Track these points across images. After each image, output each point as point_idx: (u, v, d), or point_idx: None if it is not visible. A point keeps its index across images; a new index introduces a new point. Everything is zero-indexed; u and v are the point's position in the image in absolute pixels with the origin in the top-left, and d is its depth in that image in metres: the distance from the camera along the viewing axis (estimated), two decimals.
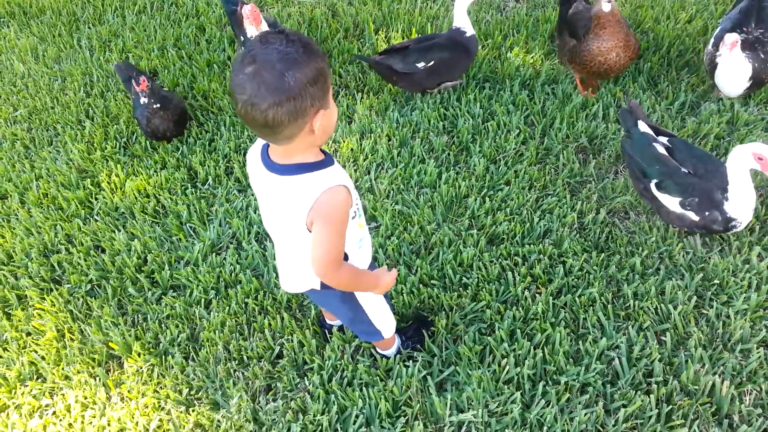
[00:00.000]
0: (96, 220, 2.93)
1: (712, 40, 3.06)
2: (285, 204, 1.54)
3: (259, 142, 1.60)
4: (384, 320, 2.00)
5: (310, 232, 1.53)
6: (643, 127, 2.54)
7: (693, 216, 2.34)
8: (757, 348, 2.12)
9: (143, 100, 3.07)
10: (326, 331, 2.33)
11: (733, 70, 2.85)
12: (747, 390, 2.03)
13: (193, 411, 2.16)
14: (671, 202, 2.38)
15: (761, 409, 1.99)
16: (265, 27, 3.20)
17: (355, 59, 3.50)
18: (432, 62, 3.13)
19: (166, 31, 4.16)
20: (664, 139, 2.52)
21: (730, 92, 2.95)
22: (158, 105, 3.10)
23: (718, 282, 2.31)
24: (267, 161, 1.54)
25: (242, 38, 3.38)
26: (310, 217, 1.49)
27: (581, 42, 3.05)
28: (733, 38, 2.80)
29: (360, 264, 1.78)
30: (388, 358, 2.22)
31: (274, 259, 2.54)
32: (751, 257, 2.38)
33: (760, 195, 2.61)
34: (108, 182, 3.09)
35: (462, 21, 3.14)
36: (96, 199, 3.04)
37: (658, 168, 2.42)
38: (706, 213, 2.30)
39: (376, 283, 1.76)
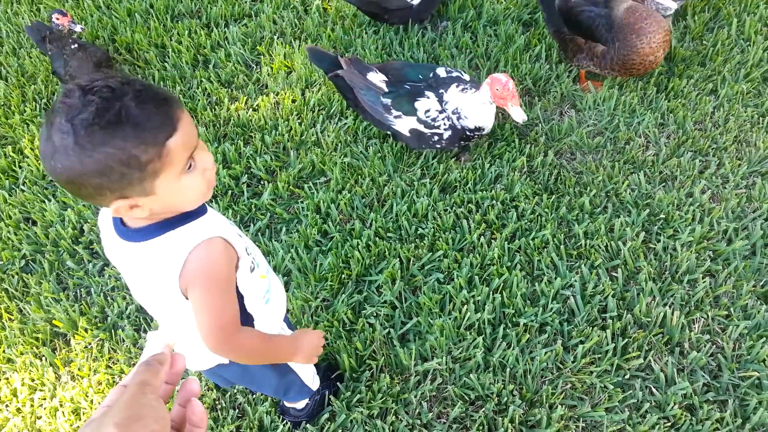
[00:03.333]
0: (23, 190, 2.72)
1: None
2: (149, 275, 1.21)
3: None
4: (312, 373, 1.72)
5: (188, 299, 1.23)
6: None
7: None
8: (703, 278, 2.21)
9: (65, 35, 2.84)
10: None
11: None
12: (695, 318, 2.13)
13: None
14: None
15: (708, 335, 2.10)
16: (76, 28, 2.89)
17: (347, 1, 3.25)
18: None
19: None
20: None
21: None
22: (76, 45, 2.89)
23: (663, 216, 2.39)
24: (119, 227, 1.19)
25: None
26: (182, 283, 1.18)
27: (617, 43, 2.65)
28: None
29: (271, 323, 1.48)
30: (300, 413, 1.96)
31: None
32: (693, 191, 2.46)
33: None
34: (31, 148, 2.87)
35: None
36: (20, 167, 2.82)
37: None
38: None
39: (294, 348, 1.44)
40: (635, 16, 2.58)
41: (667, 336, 2.08)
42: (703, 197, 2.43)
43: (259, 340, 1.34)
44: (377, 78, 2.55)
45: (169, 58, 3.26)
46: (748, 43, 3.03)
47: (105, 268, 2.42)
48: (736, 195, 2.45)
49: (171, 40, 3.36)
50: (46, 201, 2.65)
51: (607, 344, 2.06)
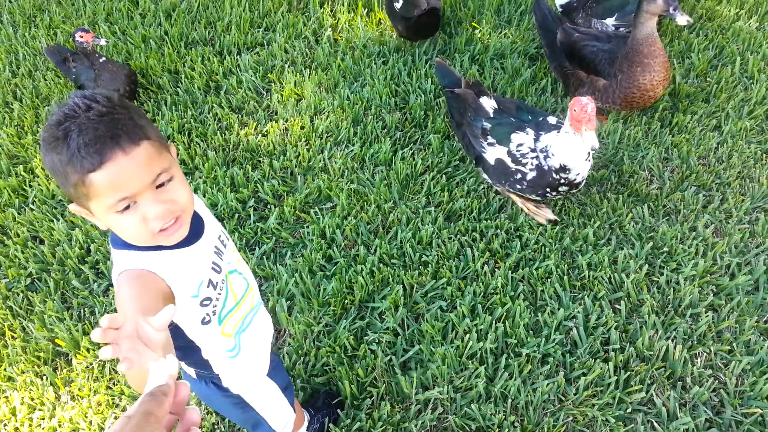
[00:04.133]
0: (32, 209, 2.75)
1: None
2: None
3: None
4: (277, 414, 1.63)
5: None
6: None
7: None
8: (706, 312, 2.21)
9: (90, 51, 2.97)
10: None
11: None
12: (698, 353, 2.12)
13: None
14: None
15: (711, 369, 2.08)
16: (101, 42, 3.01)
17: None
18: None
19: (97, 4, 3.92)
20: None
21: None
22: (104, 59, 3.01)
23: (667, 250, 2.39)
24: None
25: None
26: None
27: (620, 78, 2.70)
28: None
29: (240, 377, 1.44)
30: None
31: None
32: (697, 225, 2.47)
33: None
34: (42, 168, 2.91)
35: None
36: (30, 186, 2.86)
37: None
38: None
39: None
40: (650, 49, 2.59)
41: (670, 370, 2.07)
42: (707, 231, 2.44)
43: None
44: (488, 103, 2.51)
45: (181, 83, 3.32)
46: (751, 81, 3.07)
47: (110, 288, 2.43)
48: (739, 230, 2.45)
49: (184, 66, 3.42)
50: (54, 220, 2.68)
51: (610, 377, 2.05)
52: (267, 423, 1.61)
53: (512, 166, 2.36)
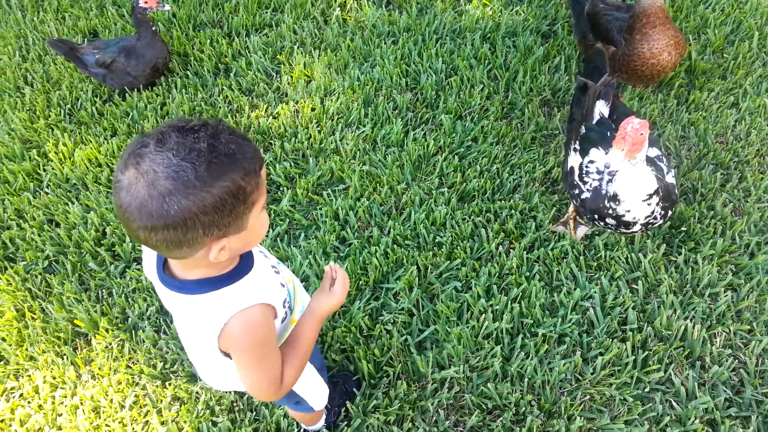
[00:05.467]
0: (47, 193, 2.76)
1: None
2: (186, 326, 1.31)
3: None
4: (315, 393, 1.69)
5: (226, 356, 1.28)
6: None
7: None
8: (725, 291, 2.19)
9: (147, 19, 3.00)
10: None
11: None
12: (717, 332, 2.11)
13: (169, 384, 2.10)
14: None
15: (730, 349, 2.07)
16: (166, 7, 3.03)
17: None
18: None
19: None
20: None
21: None
22: (155, 29, 3.09)
23: (685, 229, 2.37)
24: (162, 275, 1.23)
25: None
26: (221, 344, 1.23)
27: (623, 46, 2.72)
28: None
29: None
30: None
31: None
32: (715, 204, 2.44)
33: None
34: (56, 152, 2.91)
35: None
36: (44, 170, 2.86)
37: None
38: None
39: (320, 317, 1.40)
40: (649, 19, 2.60)
41: (688, 349, 2.06)
42: (725, 210, 2.41)
43: (295, 363, 1.34)
44: (600, 109, 2.31)
45: (191, 66, 3.30)
46: None
47: (126, 270, 2.44)
48: (758, 209, 2.43)
49: (193, 48, 3.40)
50: (69, 203, 2.68)
51: (627, 356, 2.04)
52: (306, 401, 1.66)
53: (576, 179, 2.20)
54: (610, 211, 2.04)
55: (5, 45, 3.57)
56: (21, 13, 3.82)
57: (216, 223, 1.05)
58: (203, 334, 1.22)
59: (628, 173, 1.94)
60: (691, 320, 2.12)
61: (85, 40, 3.55)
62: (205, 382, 1.59)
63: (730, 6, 3.28)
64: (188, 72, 3.27)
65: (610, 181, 2.06)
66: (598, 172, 2.12)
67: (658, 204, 1.99)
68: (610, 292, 2.21)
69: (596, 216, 2.11)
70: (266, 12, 3.59)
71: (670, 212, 2.07)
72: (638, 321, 2.14)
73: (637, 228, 2.06)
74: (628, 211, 2.00)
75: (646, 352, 2.05)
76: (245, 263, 1.24)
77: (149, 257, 1.29)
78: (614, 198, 2.01)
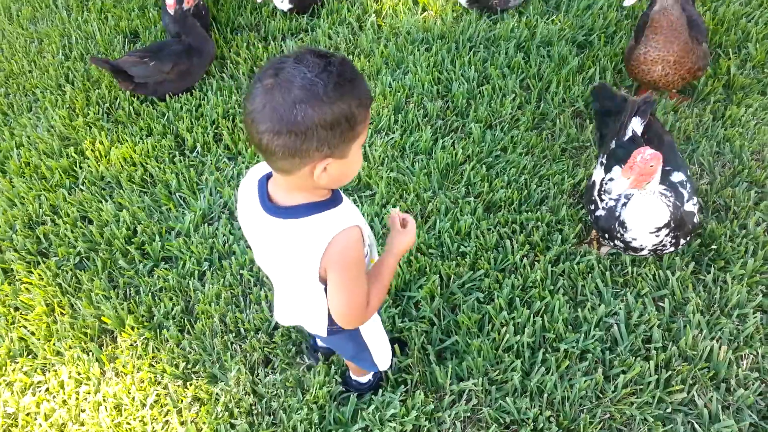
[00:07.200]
0: (82, 190, 2.84)
1: None
2: (289, 252, 1.36)
3: (254, 176, 1.41)
4: (383, 355, 1.81)
5: (321, 282, 1.39)
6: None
7: None
8: (754, 313, 2.13)
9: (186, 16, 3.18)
10: (318, 354, 2.15)
11: None
12: (744, 354, 2.05)
13: (190, 385, 2.14)
14: None
15: (757, 372, 2.02)
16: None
17: None
18: None
19: None
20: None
21: None
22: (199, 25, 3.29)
23: (715, 248, 2.31)
24: (266, 203, 1.34)
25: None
26: (323, 265, 1.32)
27: (631, 43, 2.74)
28: None
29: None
30: (362, 386, 2.09)
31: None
32: (747, 223, 2.37)
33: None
34: (92, 150, 2.99)
35: None
36: (80, 167, 2.95)
37: None
38: None
39: (398, 253, 1.52)
40: (655, 25, 2.54)
41: (713, 371, 2.01)
42: (758, 230, 2.34)
43: (379, 293, 1.45)
44: (635, 127, 2.24)
45: (227, 69, 3.36)
46: None
47: (154, 268, 2.49)
48: None
49: (230, 51, 3.46)
50: (103, 201, 2.76)
51: (650, 376, 2.01)
52: (371, 356, 1.77)
53: (595, 195, 2.18)
54: (619, 235, 2.07)
55: (50, 43, 3.69)
56: (66, 12, 3.94)
57: (328, 141, 1.17)
58: (306, 257, 1.32)
59: (639, 203, 1.95)
60: (717, 341, 2.07)
61: (125, 40, 3.64)
62: (276, 318, 1.68)
63: None
64: (224, 75, 3.33)
65: (624, 204, 2.05)
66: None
67: (668, 235, 1.99)
68: (636, 309, 2.17)
69: (606, 235, 2.13)
70: (302, 17, 3.63)
71: (683, 240, 2.06)
72: (663, 340, 2.09)
73: (645, 253, 2.08)
74: (634, 238, 2.03)
75: (670, 372, 2.01)
76: (338, 194, 1.37)
77: (247, 195, 1.40)
78: (623, 224, 2.03)
